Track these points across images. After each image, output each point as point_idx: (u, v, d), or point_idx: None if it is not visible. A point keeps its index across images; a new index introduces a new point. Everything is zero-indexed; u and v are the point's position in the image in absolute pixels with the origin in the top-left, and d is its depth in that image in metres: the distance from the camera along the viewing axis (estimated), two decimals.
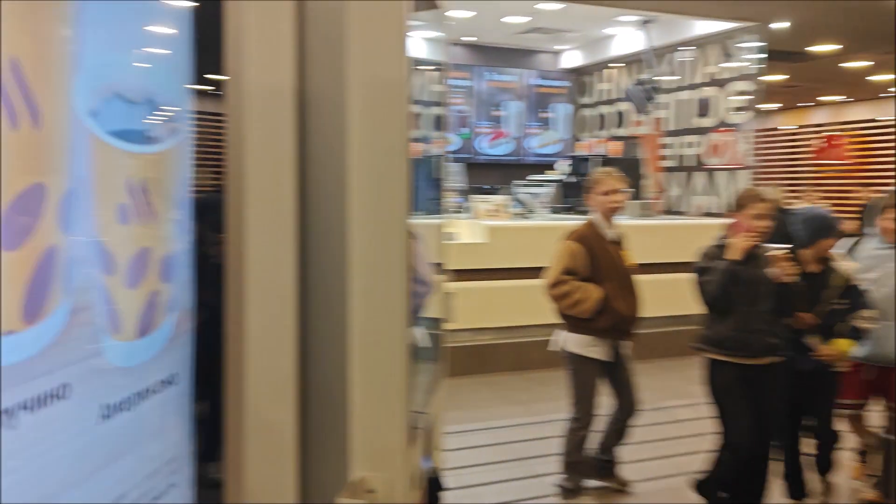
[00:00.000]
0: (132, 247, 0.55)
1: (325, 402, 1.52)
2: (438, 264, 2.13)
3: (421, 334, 1.93)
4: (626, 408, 3.27)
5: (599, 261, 3.19)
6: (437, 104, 1.90)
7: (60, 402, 0.47)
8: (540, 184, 7.04)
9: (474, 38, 8.64)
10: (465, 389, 4.99)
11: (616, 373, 3.30)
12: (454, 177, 6.78)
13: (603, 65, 8.91)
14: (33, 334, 0.44)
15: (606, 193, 3.20)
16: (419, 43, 1.78)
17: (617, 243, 3.26)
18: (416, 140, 1.88)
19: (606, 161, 6.67)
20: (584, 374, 3.27)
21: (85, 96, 0.49)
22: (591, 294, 3.14)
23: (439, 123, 1.94)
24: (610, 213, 3.22)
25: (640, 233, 5.04)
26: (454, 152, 8.41)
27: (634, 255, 3.37)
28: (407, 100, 1.46)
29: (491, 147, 8.94)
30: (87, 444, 0.50)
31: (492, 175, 8.05)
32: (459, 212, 6.23)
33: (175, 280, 0.61)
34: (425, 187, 1.92)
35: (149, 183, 0.56)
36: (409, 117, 1.47)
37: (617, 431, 3.34)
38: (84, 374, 0.49)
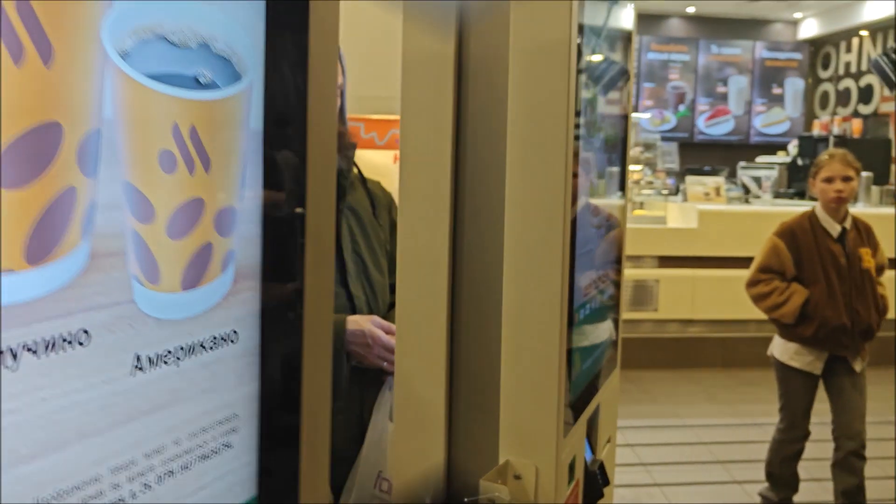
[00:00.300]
0: (178, 196, 0.53)
1: (475, 381, 1.47)
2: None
3: (609, 323, 1.83)
4: (842, 437, 2.89)
5: (810, 260, 2.84)
6: (626, 76, 1.78)
7: (78, 349, 0.46)
8: (768, 166, 6.48)
9: (694, 9, 8.10)
10: (666, 383, 4.76)
11: (837, 391, 2.92)
12: (666, 157, 6.45)
13: (848, 33, 7.96)
14: (39, 276, 0.43)
15: (829, 180, 2.84)
16: (614, 12, 1.67)
17: (841, 240, 2.87)
18: (615, 117, 1.77)
19: (843, 142, 5.98)
20: (788, 384, 2.96)
21: (116, 37, 0.47)
22: (793, 297, 2.80)
23: (626, 96, 1.82)
24: (832, 203, 2.85)
25: (883, 223, 4.49)
26: (669, 131, 8.00)
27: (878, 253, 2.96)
28: (572, 67, 1.36)
29: (709, 126, 8.36)
30: (113, 395, 0.49)
31: (710, 156, 7.55)
32: (670, 194, 5.92)
33: (236, 234, 0.59)
34: (610, 165, 1.80)
35: (203, 131, 0.54)
36: (574, 86, 1.37)
37: (841, 467, 2.96)
38: (109, 323, 0.48)
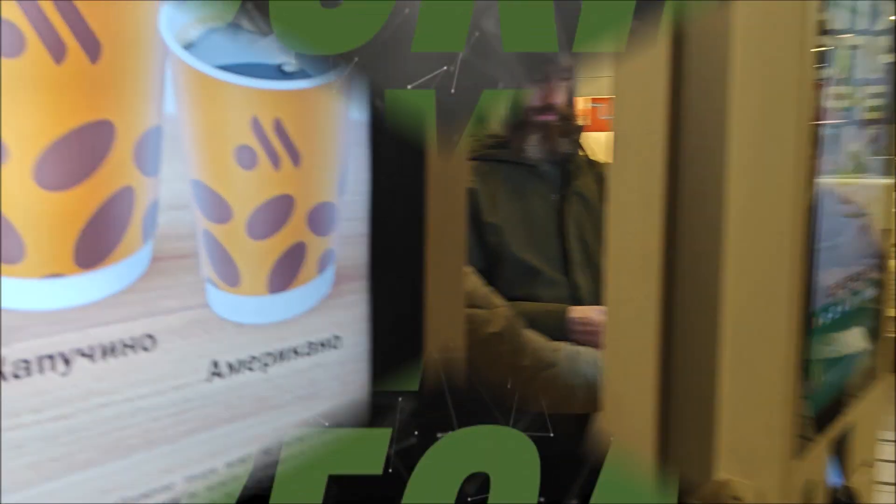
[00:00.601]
0: (260, 194, 0.50)
1: (689, 389, 1.33)
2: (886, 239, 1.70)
3: (864, 329, 1.58)
4: None
5: None
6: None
7: (142, 355, 0.45)
8: None
9: None
10: None
11: None
12: None
13: None
14: (93, 280, 0.42)
15: None
16: None
17: None
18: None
19: None
20: None
21: (177, 28, 0.45)
22: None
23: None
24: None
25: None
26: None
27: None
28: (812, 34, 1.17)
29: None
30: (185, 402, 0.47)
31: None
32: None
33: (336, 233, 0.54)
34: (871, 143, 1.53)
35: (290, 124, 0.50)
36: (814, 54, 1.18)
37: None
38: (180, 328, 0.47)
